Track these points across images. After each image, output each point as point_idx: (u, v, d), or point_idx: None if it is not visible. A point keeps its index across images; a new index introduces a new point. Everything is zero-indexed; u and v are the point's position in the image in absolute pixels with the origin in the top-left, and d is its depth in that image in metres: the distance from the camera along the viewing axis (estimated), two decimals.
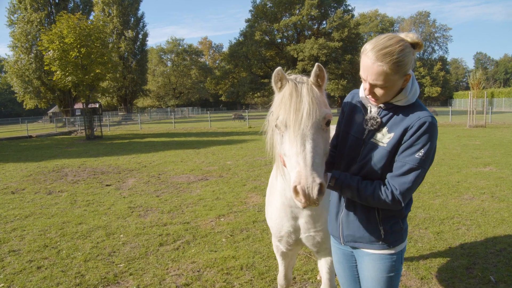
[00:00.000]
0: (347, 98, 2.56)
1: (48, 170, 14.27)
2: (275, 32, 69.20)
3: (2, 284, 4.99)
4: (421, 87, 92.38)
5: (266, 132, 2.55)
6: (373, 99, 2.24)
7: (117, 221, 7.42)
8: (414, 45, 2.12)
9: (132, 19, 66.70)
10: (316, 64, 2.20)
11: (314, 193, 1.89)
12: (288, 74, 2.35)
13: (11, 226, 7.41)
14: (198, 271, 5.10)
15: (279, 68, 2.23)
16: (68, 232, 6.85)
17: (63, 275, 5.13)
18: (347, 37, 63.06)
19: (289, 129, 2.10)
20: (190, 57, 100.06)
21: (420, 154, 2.08)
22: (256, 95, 73.61)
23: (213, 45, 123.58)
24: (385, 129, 2.23)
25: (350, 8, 68.73)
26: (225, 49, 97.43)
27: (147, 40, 71.25)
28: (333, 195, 2.58)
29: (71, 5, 50.56)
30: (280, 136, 2.23)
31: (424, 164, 2.10)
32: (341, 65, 61.88)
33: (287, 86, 2.21)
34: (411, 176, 2.09)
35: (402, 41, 2.07)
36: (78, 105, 51.02)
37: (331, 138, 2.45)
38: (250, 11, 69.28)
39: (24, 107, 53.14)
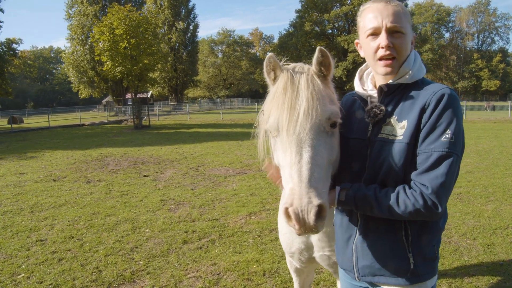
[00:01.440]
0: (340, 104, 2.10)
1: (92, 159, 14.51)
2: (326, 23, 67.98)
3: (22, 275, 4.93)
4: (478, 80, 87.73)
5: (257, 136, 2.04)
6: (388, 62, 1.75)
7: (146, 214, 7.26)
8: None
9: (183, 10, 67.59)
10: (318, 47, 1.75)
11: (310, 218, 1.48)
12: (284, 63, 1.88)
13: (44, 214, 7.44)
14: (217, 274, 4.78)
15: (270, 54, 1.79)
16: (95, 224, 6.76)
17: (81, 270, 4.99)
18: None
19: (282, 132, 1.69)
20: (241, 48, 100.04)
21: (447, 135, 1.60)
22: None
23: (263, 36, 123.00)
24: (393, 119, 1.77)
25: None
26: (276, 40, 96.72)
27: (198, 31, 72.00)
28: (338, 213, 2.05)
29: None
30: (273, 140, 1.83)
31: (455, 147, 1.61)
32: None
33: (281, 77, 1.78)
34: (443, 167, 1.59)
35: None
36: (129, 95, 52.45)
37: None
38: (300, 1, 68.29)
39: (79, 96, 55.27)
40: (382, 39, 1.72)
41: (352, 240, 1.93)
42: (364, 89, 1.94)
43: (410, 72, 1.77)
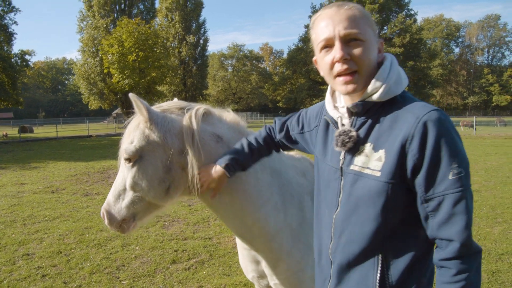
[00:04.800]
0: (314, 109, 1.94)
1: (94, 171, 14.40)
2: None
3: None
4: (489, 95, 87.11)
5: None
6: (347, 78, 1.45)
7: (138, 230, 7.07)
8: None
9: (194, 24, 67.82)
10: (130, 95, 1.98)
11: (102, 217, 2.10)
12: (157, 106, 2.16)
13: (36, 227, 7.30)
14: None
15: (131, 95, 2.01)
16: (85, 239, 6.59)
17: (63, 287, 4.82)
18: (409, 42, 59.97)
19: None
20: (251, 63, 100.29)
21: (455, 171, 1.30)
22: (314, 101, 72.83)
23: (274, 51, 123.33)
24: (368, 147, 1.47)
25: (412, 12, 65.18)
26: (285, 55, 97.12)
27: (208, 46, 71.88)
28: (316, 251, 1.80)
29: (135, 11, 52.48)
30: None
31: (467, 180, 1.33)
32: None
33: None
34: (463, 211, 1.32)
35: None
36: None
37: (134, 175, 2.02)
38: (310, 16, 68.39)
39: (89, 107, 55.63)
40: (336, 51, 1.44)
41: (327, 283, 1.68)
42: (335, 107, 1.66)
43: (384, 86, 1.44)
